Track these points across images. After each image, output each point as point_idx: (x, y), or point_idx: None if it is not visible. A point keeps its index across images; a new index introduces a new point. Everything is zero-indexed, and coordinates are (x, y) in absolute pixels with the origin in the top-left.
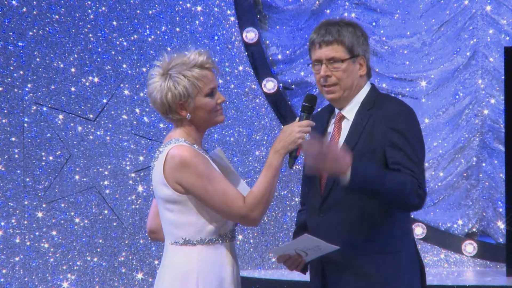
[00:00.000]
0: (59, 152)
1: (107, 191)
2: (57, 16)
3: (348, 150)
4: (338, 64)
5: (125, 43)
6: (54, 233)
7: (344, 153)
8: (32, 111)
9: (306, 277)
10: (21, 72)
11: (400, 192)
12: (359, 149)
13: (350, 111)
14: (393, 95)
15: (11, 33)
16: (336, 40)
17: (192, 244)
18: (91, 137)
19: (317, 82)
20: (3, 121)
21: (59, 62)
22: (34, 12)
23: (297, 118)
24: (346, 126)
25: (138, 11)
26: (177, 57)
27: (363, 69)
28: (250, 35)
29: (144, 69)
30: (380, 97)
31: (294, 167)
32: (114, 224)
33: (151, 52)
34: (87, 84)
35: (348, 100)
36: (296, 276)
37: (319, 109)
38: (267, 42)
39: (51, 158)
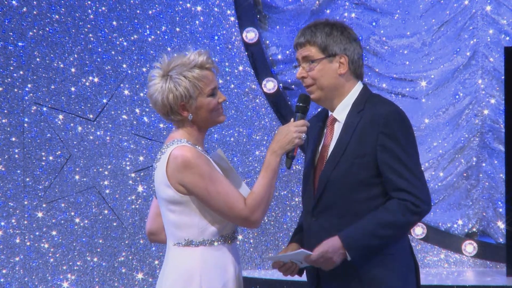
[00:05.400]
0: (59, 152)
1: (107, 191)
2: (57, 16)
3: (330, 238)
4: (312, 64)
5: (125, 43)
6: (54, 233)
7: (330, 244)
8: (32, 111)
9: (305, 277)
10: (21, 72)
11: (397, 228)
12: (349, 152)
13: (341, 113)
14: (393, 95)
15: (11, 33)
16: (308, 42)
17: (194, 245)
18: (91, 137)
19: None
20: (3, 121)
21: (59, 62)
22: (34, 12)
23: (292, 119)
24: (338, 128)
25: (138, 11)
26: (177, 58)
27: (343, 68)
28: (250, 35)
29: (144, 69)
30: (371, 99)
31: (293, 167)
32: (114, 224)
33: (151, 52)
34: (87, 84)
35: (336, 101)
36: (296, 276)
37: (318, 109)
38: (267, 42)
39: (51, 158)
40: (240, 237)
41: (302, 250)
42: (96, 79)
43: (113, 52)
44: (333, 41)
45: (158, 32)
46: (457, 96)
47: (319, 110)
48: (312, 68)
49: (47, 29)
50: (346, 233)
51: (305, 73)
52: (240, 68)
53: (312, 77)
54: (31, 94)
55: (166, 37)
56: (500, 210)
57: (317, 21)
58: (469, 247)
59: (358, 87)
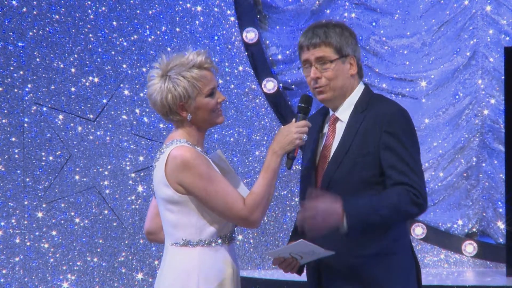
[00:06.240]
0: (59, 152)
1: (107, 191)
2: (57, 16)
3: (335, 198)
4: (327, 64)
5: (125, 43)
6: (54, 233)
7: (333, 203)
8: (32, 111)
9: (305, 277)
10: (21, 72)
11: (397, 212)
12: (353, 151)
13: (344, 113)
14: (393, 95)
15: (11, 33)
16: (324, 42)
17: (192, 245)
18: (91, 137)
19: (308, 84)
20: (3, 121)
21: (59, 62)
22: (34, 12)
23: (293, 119)
24: (340, 128)
25: (138, 11)
26: (176, 58)
27: (353, 69)
28: (250, 35)
29: (144, 69)
30: (373, 98)
31: (293, 167)
32: (114, 224)
33: (151, 52)
34: (87, 84)
35: (341, 101)
36: (296, 276)
37: (314, 112)
38: (267, 42)
39: (51, 158)
40: (240, 237)
41: (302, 240)
42: (96, 79)
43: (113, 52)
44: (345, 42)
45: (158, 32)
46: (457, 96)
47: (318, 109)
48: (326, 69)
49: (47, 29)
50: (348, 201)
51: (319, 74)
52: (240, 68)
53: (327, 78)
54: (31, 94)
55: (166, 37)
56: (500, 210)
57: (321, 22)
58: (469, 247)
59: (360, 87)
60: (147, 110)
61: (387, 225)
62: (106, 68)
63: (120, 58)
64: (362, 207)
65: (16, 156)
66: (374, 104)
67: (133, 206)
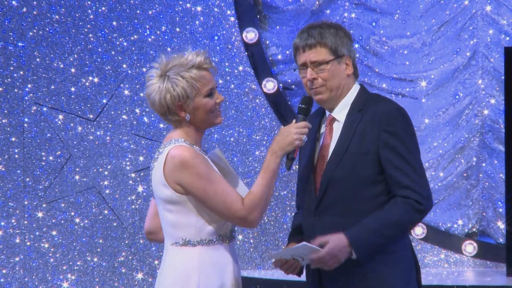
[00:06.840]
0: (59, 152)
1: (107, 191)
2: (57, 16)
3: (336, 235)
4: (323, 66)
5: (125, 43)
6: (54, 233)
7: (337, 243)
8: (32, 111)
9: (305, 277)
10: (21, 72)
11: (401, 228)
12: (351, 151)
13: (340, 113)
14: (393, 95)
15: (11, 33)
16: (319, 43)
17: (192, 245)
18: (91, 137)
19: (304, 85)
20: (3, 121)
21: (59, 62)
22: (34, 12)
23: (294, 120)
24: (337, 128)
25: (138, 11)
26: (175, 58)
27: (349, 69)
28: (250, 35)
29: (144, 69)
30: (370, 98)
31: (293, 167)
32: (114, 224)
33: (151, 52)
34: (87, 84)
35: (337, 101)
36: (296, 276)
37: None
38: (267, 42)
39: (51, 158)
40: (240, 237)
41: (304, 243)
42: (96, 79)
43: (113, 52)
44: (340, 42)
45: (158, 32)
46: (457, 96)
47: (314, 110)
48: (322, 70)
49: (47, 29)
50: (352, 232)
51: (315, 75)
52: (240, 68)
53: (323, 79)
54: (31, 94)
55: (166, 37)
56: (500, 210)
57: (315, 23)
58: (469, 247)
59: (356, 87)
60: (147, 110)
61: (396, 240)
62: (106, 68)
63: (120, 58)
64: (366, 235)
65: (16, 156)
66: (371, 103)
67: (133, 206)
